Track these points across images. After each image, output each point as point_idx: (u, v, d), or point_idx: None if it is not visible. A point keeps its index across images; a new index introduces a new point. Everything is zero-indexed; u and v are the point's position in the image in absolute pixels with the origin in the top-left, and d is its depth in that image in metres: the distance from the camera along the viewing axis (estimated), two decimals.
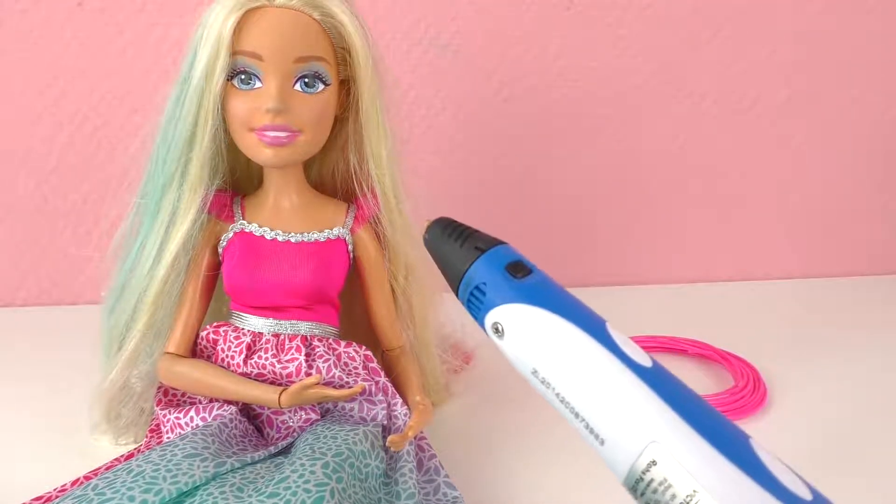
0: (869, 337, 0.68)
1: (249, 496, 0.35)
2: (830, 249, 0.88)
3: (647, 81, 0.79)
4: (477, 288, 0.31)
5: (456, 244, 0.33)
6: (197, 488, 0.36)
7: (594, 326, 0.29)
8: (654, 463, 0.26)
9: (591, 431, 0.28)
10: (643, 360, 0.29)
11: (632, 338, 0.65)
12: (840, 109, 0.83)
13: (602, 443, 0.28)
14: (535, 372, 0.30)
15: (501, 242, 0.33)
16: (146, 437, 0.47)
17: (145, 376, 0.47)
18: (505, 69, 0.76)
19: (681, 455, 0.26)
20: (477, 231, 0.33)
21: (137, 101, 0.72)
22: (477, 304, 0.32)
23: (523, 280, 0.31)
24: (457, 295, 0.33)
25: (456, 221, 0.34)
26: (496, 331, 0.31)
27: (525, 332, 0.30)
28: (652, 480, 0.26)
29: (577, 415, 0.29)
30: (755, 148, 0.83)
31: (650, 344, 0.65)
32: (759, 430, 0.51)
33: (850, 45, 0.80)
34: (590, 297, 0.89)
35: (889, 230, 0.88)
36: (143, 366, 0.47)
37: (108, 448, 0.47)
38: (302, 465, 0.37)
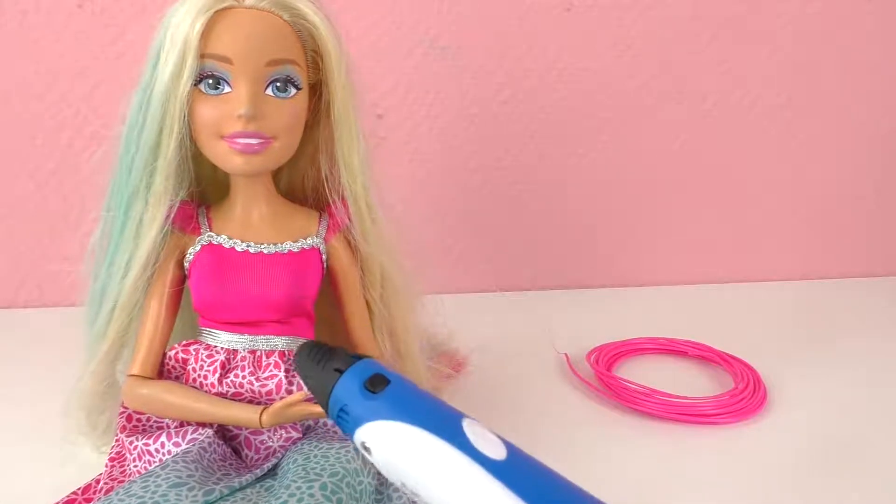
0: (869, 339, 0.68)
1: None
2: (830, 250, 0.88)
3: (648, 82, 0.79)
4: (342, 409, 0.31)
5: (318, 367, 0.32)
6: None
7: (448, 429, 0.30)
8: None
9: None
10: (497, 453, 0.29)
11: (632, 339, 0.66)
12: (840, 109, 0.83)
13: None
14: (403, 484, 0.30)
15: (360, 358, 0.32)
16: (106, 466, 0.43)
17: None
18: (505, 71, 0.76)
19: None
20: (337, 349, 0.33)
21: None
22: (345, 426, 0.31)
23: (379, 395, 0.30)
24: (331, 418, 0.33)
25: (319, 343, 0.33)
26: (365, 449, 0.31)
27: (387, 447, 0.30)
28: None
29: None
30: (755, 148, 0.83)
31: (650, 346, 0.65)
32: (759, 432, 0.51)
33: (850, 45, 0.80)
34: (590, 299, 0.88)
35: (889, 231, 0.88)
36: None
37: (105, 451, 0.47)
38: (298, 487, 0.35)
